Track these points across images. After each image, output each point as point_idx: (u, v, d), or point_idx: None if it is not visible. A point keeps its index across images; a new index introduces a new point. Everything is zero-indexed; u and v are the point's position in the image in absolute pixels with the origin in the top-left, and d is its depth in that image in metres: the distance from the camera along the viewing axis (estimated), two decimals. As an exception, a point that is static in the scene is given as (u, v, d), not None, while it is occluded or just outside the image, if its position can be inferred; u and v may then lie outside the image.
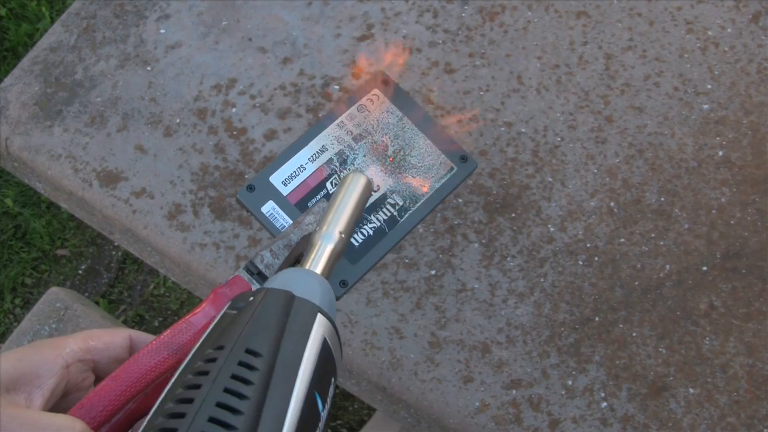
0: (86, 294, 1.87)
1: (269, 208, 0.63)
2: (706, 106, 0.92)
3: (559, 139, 0.90)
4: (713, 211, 0.86)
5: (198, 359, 0.38)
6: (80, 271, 1.91)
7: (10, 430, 0.39)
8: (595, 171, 0.89)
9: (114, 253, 1.92)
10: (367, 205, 0.63)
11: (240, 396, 0.36)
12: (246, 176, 0.89)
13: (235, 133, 0.92)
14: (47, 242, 1.92)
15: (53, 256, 1.93)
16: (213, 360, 0.38)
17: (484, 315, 0.83)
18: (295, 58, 0.96)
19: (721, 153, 0.89)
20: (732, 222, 0.86)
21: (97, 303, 1.83)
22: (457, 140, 0.66)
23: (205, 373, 0.37)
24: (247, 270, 0.53)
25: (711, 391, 0.79)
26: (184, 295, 1.86)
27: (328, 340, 0.41)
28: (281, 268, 0.54)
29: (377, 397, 0.85)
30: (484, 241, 0.86)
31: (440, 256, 0.85)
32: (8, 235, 1.93)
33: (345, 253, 0.62)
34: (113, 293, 1.88)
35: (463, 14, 0.97)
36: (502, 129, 0.91)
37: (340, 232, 0.50)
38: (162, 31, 0.98)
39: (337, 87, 0.93)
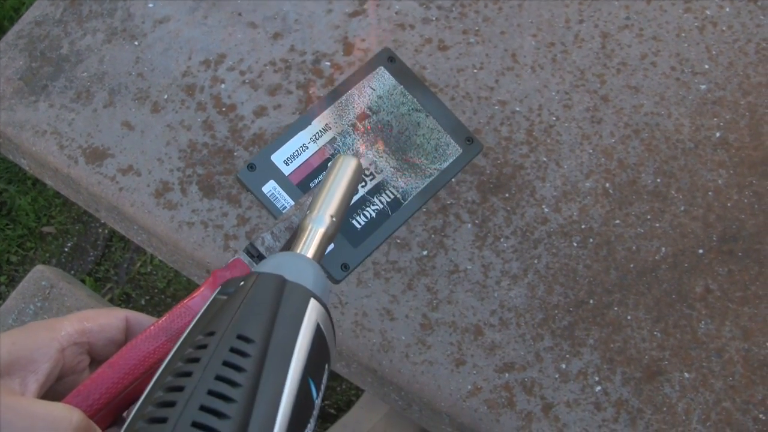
0: (72, 272, 1.86)
1: (270, 187, 0.61)
2: (703, 87, 0.90)
3: (554, 118, 0.89)
4: (710, 193, 0.85)
5: (188, 346, 0.37)
6: (66, 249, 1.89)
7: (6, 420, 0.37)
8: (591, 151, 0.87)
9: (100, 230, 1.90)
10: (370, 187, 0.61)
11: (232, 384, 0.34)
12: (235, 153, 0.87)
13: (224, 109, 0.90)
14: (33, 219, 1.90)
15: (39, 233, 1.91)
16: (204, 347, 0.36)
17: (476, 297, 0.82)
18: (286, 33, 0.94)
19: (718, 134, 0.88)
20: (729, 204, 0.85)
21: (83, 281, 1.81)
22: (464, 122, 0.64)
23: (196, 360, 0.36)
24: (248, 252, 0.52)
25: (706, 375, 0.78)
26: (171, 274, 1.85)
27: (321, 325, 0.40)
28: (283, 250, 0.53)
29: (367, 380, 0.83)
30: (477, 221, 0.84)
31: (432, 236, 0.84)
32: (-7, 212, 1.90)
33: (347, 235, 0.61)
34: (99, 271, 1.87)
35: (458, -10, 0.95)
36: (496, 108, 0.89)
37: (331, 216, 0.49)
38: (150, 5, 0.96)
39: (328, 63, 0.91)
